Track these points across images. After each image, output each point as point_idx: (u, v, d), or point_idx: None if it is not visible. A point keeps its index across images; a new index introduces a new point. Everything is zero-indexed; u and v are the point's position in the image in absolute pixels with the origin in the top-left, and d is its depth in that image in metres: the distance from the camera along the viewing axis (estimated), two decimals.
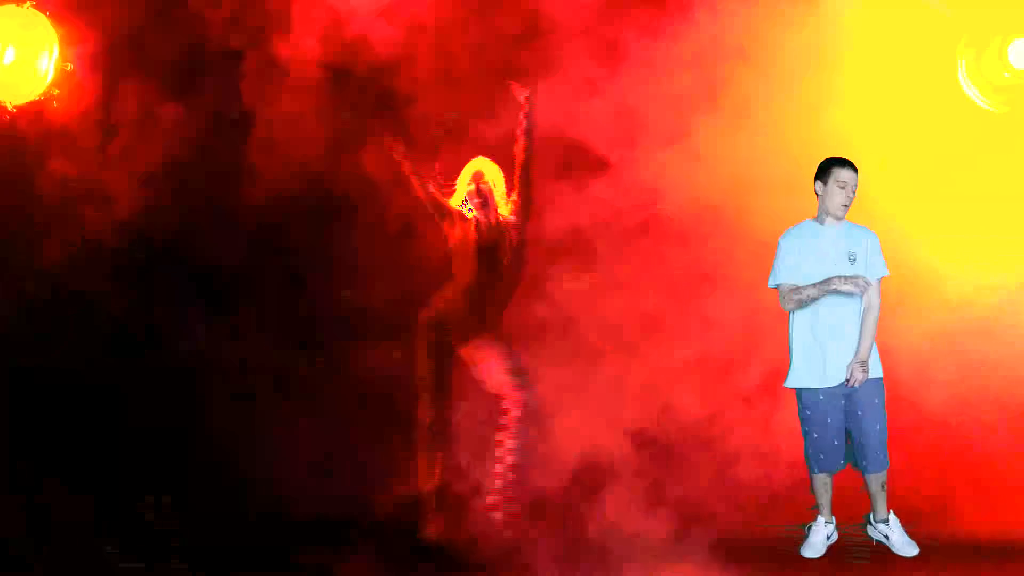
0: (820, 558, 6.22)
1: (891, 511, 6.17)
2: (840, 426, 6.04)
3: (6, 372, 7.10)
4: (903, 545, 6.16)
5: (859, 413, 6.01)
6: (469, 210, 6.90)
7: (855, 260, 5.98)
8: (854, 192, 5.99)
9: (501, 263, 6.90)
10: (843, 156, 6.06)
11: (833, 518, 6.24)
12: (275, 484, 6.88)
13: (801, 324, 6.03)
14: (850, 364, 5.94)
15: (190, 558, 6.28)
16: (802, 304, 5.98)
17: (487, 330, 6.89)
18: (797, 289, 5.96)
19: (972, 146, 7.20)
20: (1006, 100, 7.16)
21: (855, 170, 6.02)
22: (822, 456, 6.06)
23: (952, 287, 7.09)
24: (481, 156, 6.96)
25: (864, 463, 6.05)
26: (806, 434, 6.10)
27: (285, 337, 7.31)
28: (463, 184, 6.94)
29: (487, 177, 6.91)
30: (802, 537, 6.28)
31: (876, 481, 6.09)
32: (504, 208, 6.92)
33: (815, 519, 6.23)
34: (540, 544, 6.60)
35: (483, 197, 6.89)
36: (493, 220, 6.90)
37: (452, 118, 7.10)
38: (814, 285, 5.93)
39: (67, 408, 7.12)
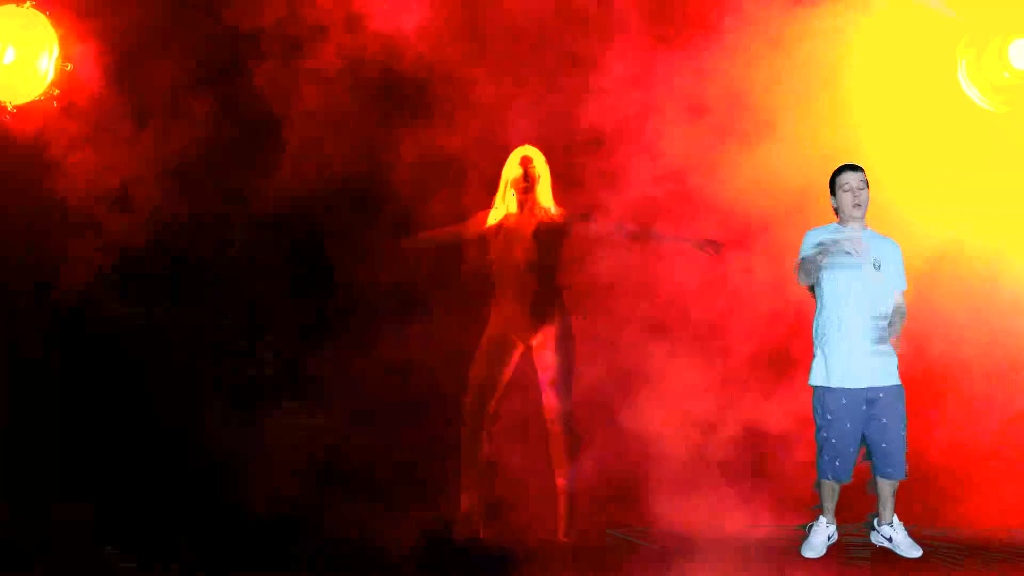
0: (820, 558, 6.19)
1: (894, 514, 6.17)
2: (858, 434, 6.00)
3: (16, 372, 7.10)
4: (907, 547, 6.14)
5: (883, 421, 5.97)
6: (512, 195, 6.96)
7: (879, 267, 5.97)
8: (862, 191, 5.98)
9: (538, 253, 6.91)
10: (847, 162, 6.06)
11: (835, 519, 6.22)
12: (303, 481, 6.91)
13: (823, 321, 6.02)
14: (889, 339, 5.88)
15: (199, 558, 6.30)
16: (808, 270, 5.93)
17: (539, 324, 6.90)
18: (804, 262, 5.94)
19: (972, 146, 7.20)
20: (1006, 100, 7.16)
21: (856, 170, 6.02)
22: (837, 463, 6.00)
23: (946, 291, 7.09)
24: (528, 144, 6.99)
25: (888, 469, 6.01)
26: (823, 440, 6.03)
27: (311, 333, 7.30)
28: (511, 168, 6.96)
29: (535, 163, 6.94)
30: (802, 537, 6.27)
31: (890, 487, 6.08)
32: (546, 198, 6.94)
33: (816, 519, 6.22)
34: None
35: (530, 182, 6.93)
36: (533, 208, 6.94)
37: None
38: (817, 252, 5.90)
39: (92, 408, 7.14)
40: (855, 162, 6.08)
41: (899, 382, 6.01)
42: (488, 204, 7.06)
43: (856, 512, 6.38)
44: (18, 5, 6.89)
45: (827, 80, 7.10)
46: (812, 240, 5.98)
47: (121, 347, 7.17)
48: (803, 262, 5.94)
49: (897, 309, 5.98)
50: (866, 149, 6.66)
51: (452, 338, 7.17)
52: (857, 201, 5.98)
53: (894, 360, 6.00)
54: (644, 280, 7.16)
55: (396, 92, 7.27)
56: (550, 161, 7.02)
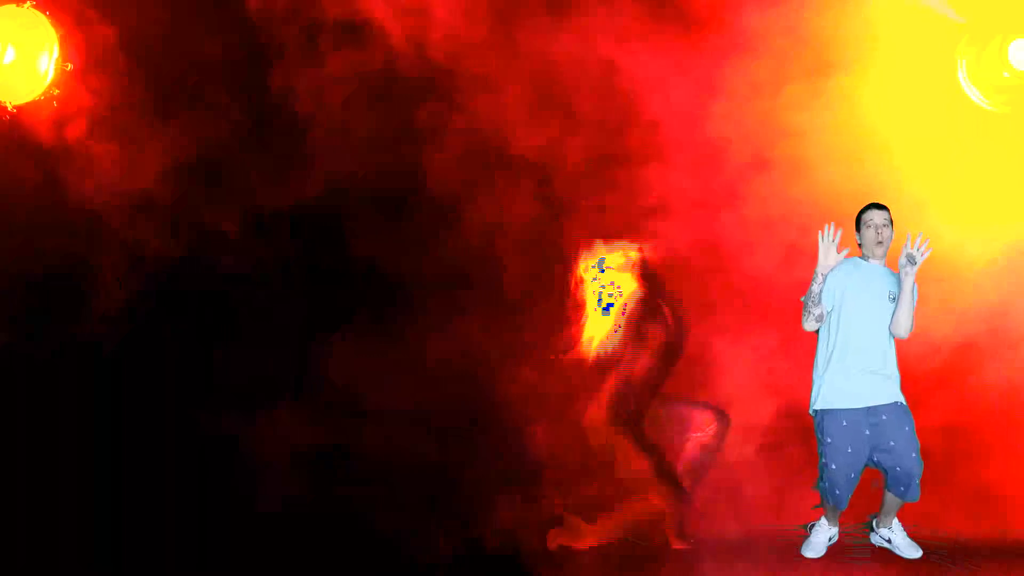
0: (821, 558, 6.20)
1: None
2: (860, 460, 5.93)
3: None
4: (906, 547, 6.15)
5: (891, 443, 5.90)
6: None
7: (895, 299, 5.92)
8: (884, 228, 5.96)
9: None
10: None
11: (837, 521, 6.22)
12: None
13: (829, 348, 5.99)
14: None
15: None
16: (812, 310, 5.96)
17: None
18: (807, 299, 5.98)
19: (972, 146, 7.22)
20: (1006, 100, 7.18)
21: (880, 208, 6.00)
22: (837, 491, 5.96)
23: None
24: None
25: (900, 488, 5.95)
26: (823, 466, 5.99)
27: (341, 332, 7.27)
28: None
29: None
30: (804, 537, 6.28)
31: (898, 504, 6.05)
32: None
33: (818, 519, 6.23)
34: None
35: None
36: None
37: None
38: (811, 295, 5.94)
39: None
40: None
41: (903, 401, 5.94)
42: (518, 199, 7.12)
43: (856, 512, 6.37)
44: (18, 5, 6.89)
45: (828, 81, 7.14)
46: (833, 270, 5.96)
47: (140, 348, 7.17)
48: (807, 304, 5.95)
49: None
50: (869, 149, 6.70)
51: (485, 338, 7.20)
52: (879, 239, 5.96)
53: (896, 381, 5.96)
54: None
55: (428, 88, 7.25)
56: (606, 145, 7.12)
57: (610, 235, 7.22)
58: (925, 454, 6.58)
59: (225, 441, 6.91)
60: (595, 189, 7.22)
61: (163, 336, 7.14)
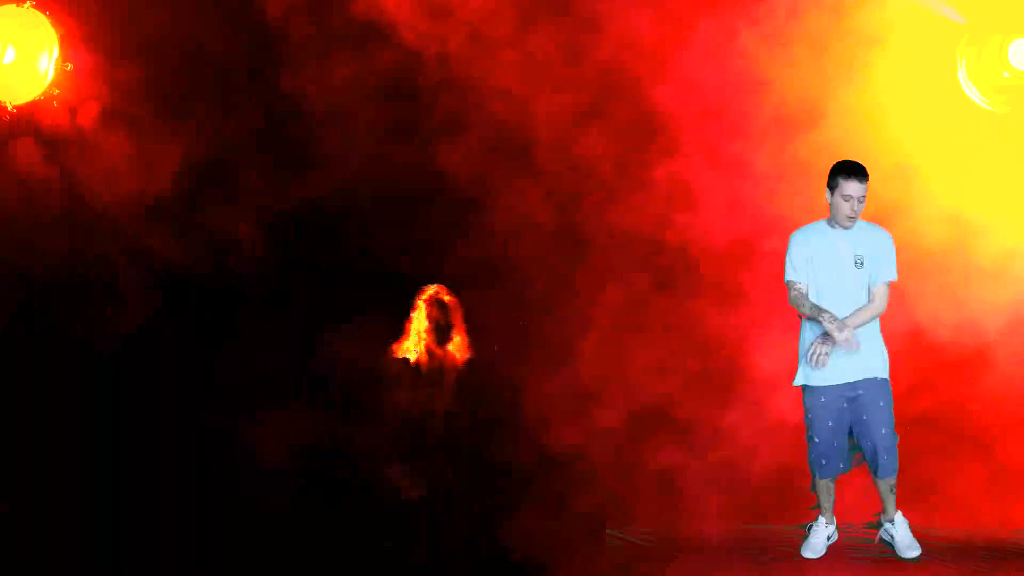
0: (821, 558, 6.21)
1: (899, 511, 6.17)
2: (842, 431, 6.00)
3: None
4: (906, 547, 6.14)
5: (864, 418, 5.95)
6: None
7: (862, 264, 5.91)
8: (862, 202, 5.87)
9: None
10: (852, 161, 5.89)
11: (834, 519, 6.24)
12: None
13: (809, 322, 6.01)
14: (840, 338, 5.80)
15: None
16: (800, 314, 6.01)
17: None
18: (802, 300, 5.96)
19: (973, 145, 7.23)
20: (1006, 100, 7.18)
21: (862, 179, 5.86)
22: (823, 462, 6.02)
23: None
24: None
25: (873, 466, 6.00)
26: (809, 439, 6.06)
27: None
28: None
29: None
30: (802, 537, 6.28)
31: (886, 484, 6.05)
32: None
33: (816, 519, 6.24)
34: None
35: None
36: None
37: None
38: (810, 308, 5.93)
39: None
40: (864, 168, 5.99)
41: (882, 376, 5.95)
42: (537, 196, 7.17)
43: (857, 512, 6.39)
44: (18, 5, 6.90)
45: (828, 78, 7.16)
46: (797, 245, 5.96)
47: (141, 347, 7.17)
48: (802, 312, 5.97)
49: (871, 302, 5.91)
50: (869, 148, 6.71)
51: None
52: (853, 213, 5.89)
53: (878, 355, 5.97)
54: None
55: (448, 87, 7.23)
56: (632, 141, 7.12)
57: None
58: (935, 449, 6.64)
59: (226, 441, 6.92)
60: (623, 187, 7.20)
61: (165, 336, 7.15)
